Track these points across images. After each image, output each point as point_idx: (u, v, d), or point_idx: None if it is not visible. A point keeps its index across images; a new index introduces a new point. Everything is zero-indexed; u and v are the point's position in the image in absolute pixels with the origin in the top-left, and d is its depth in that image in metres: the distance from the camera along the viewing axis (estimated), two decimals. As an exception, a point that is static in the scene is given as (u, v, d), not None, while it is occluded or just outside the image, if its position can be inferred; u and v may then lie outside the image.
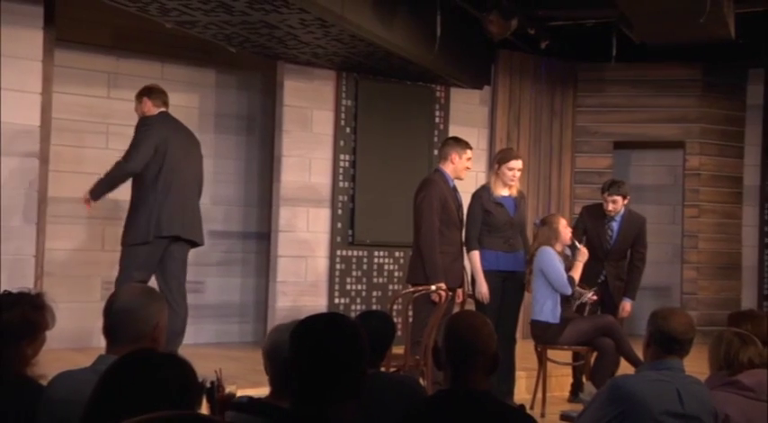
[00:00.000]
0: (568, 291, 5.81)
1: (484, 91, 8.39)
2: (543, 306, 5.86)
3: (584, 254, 5.91)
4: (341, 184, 7.48)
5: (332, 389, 2.06)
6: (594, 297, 6.03)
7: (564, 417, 5.62)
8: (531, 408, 5.88)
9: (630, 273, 6.48)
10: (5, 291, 2.87)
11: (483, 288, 5.73)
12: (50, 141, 6.07)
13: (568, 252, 6.08)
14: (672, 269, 8.99)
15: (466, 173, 5.92)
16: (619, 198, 6.33)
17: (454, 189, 5.85)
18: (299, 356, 2.10)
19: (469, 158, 5.86)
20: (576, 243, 5.98)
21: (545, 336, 5.88)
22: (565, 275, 5.78)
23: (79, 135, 6.83)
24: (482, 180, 7.86)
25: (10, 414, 2.57)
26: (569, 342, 5.86)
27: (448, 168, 5.82)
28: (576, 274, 5.88)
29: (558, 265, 5.80)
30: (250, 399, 2.75)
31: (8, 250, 5.57)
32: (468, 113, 8.25)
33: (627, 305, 6.43)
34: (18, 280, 5.29)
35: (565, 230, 5.91)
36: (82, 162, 6.71)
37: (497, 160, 5.96)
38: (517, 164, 5.86)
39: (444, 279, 5.57)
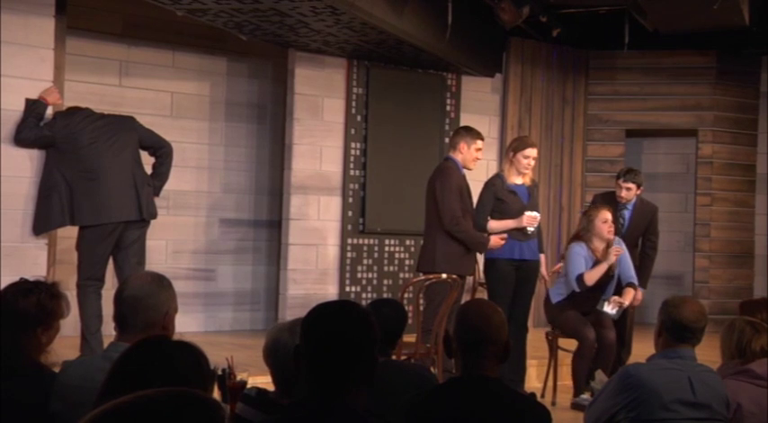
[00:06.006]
0: (575, 287, 5.78)
1: (495, 79, 8.36)
2: (557, 284, 6.01)
3: (610, 255, 5.74)
4: (352, 172, 7.48)
5: (344, 376, 2.06)
6: (614, 313, 5.85)
7: (575, 405, 5.63)
8: (542, 396, 5.89)
9: (642, 261, 6.46)
10: (22, 278, 2.89)
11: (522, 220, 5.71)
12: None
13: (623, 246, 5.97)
14: (684, 257, 8.97)
15: (475, 163, 5.87)
16: (633, 186, 6.31)
17: (463, 178, 5.84)
18: (310, 344, 2.10)
19: (479, 149, 5.81)
20: (614, 241, 5.80)
21: (547, 311, 6.05)
22: (576, 273, 5.76)
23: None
24: (494, 169, 7.84)
25: (23, 401, 2.59)
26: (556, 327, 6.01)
27: (457, 157, 5.79)
28: (593, 275, 5.73)
29: (576, 262, 5.78)
30: (258, 391, 2.76)
31: (21, 238, 5.59)
32: (479, 102, 8.22)
33: (638, 294, 6.42)
34: (30, 268, 5.32)
35: (602, 225, 5.82)
36: (94, 150, 6.71)
37: (512, 148, 5.91)
38: (532, 152, 5.82)
39: (456, 268, 5.57)
